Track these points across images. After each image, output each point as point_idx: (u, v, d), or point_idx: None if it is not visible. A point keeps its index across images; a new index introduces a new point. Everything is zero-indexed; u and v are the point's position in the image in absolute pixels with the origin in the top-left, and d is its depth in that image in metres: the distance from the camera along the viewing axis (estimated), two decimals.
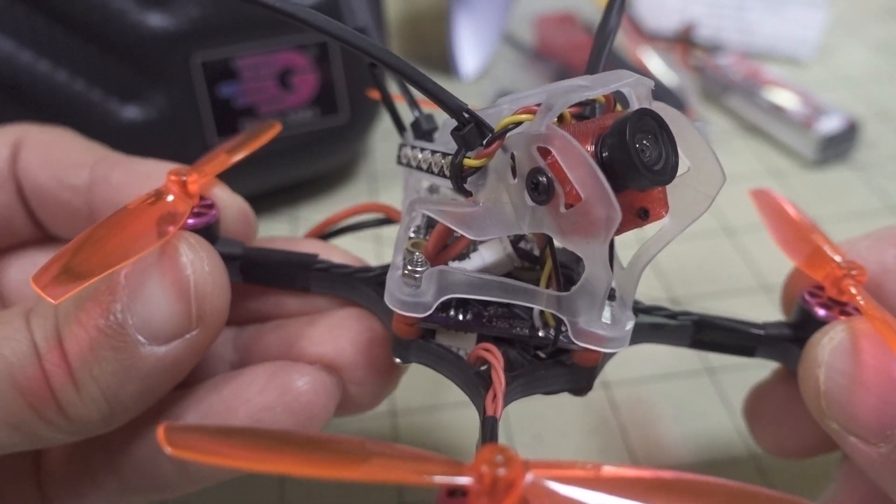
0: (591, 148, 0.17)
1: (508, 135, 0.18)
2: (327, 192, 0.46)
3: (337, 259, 0.24)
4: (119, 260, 0.19)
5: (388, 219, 0.27)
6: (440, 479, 0.15)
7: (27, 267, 0.27)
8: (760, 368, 0.26)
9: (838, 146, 0.47)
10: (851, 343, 0.21)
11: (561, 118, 0.18)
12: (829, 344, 0.21)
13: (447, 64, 0.55)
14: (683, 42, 0.55)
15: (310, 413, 0.22)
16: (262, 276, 0.24)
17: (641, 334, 0.23)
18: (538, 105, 0.18)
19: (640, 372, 0.34)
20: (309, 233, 0.28)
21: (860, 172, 0.46)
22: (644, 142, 0.17)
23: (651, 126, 0.17)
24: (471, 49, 0.56)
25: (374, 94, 0.26)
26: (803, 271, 0.24)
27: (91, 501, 0.24)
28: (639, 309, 0.24)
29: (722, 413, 0.33)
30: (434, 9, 0.62)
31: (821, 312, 0.23)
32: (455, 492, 0.15)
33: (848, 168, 0.47)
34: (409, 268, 0.20)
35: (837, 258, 0.23)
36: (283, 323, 0.25)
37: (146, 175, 0.25)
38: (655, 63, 0.53)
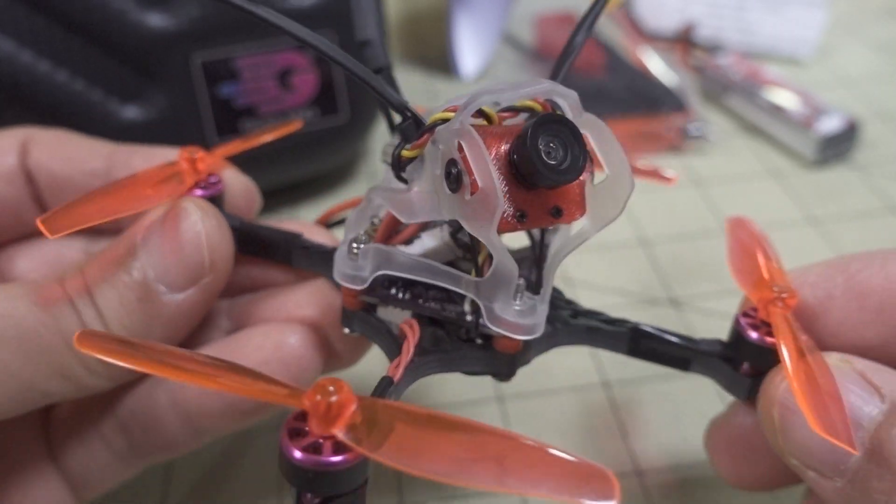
0: (506, 147, 0.19)
1: (437, 129, 0.20)
2: (327, 192, 0.46)
3: (318, 239, 0.27)
4: (126, 209, 0.22)
5: None
6: (280, 401, 0.18)
7: (36, 258, 0.29)
8: None
9: (838, 146, 0.47)
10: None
11: (490, 120, 0.20)
12: (781, 382, 0.22)
13: (447, 64, 0.55)
14: (683, 42, 0.55)
15: (301, 366, 0.25)
16: (253, 249, 0.27)
17: (579, 336, 0.25)
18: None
19: (640, 372, 0.34)
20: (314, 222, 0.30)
21: (860, 172, 0.46)
22: (551, 144, 0.19)
23: (561, 132, 0.19)
24: (471, 49, 0.56)
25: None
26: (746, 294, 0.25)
27: (100, 462, 0.25)
28: (578, 311, 0.25)
29: None
30: (434, 9, 0.62)
31: (753, 335, 0.24)
32: (301, 416, 0.18)
33: (848, 168, 0.47)
34: (353, 245, 0.23)
35: (781, 283, 0.24)
36: (270, 292, 0.28)
37: (165, 159, 0.26)
38: (655, 63, 0.53)
